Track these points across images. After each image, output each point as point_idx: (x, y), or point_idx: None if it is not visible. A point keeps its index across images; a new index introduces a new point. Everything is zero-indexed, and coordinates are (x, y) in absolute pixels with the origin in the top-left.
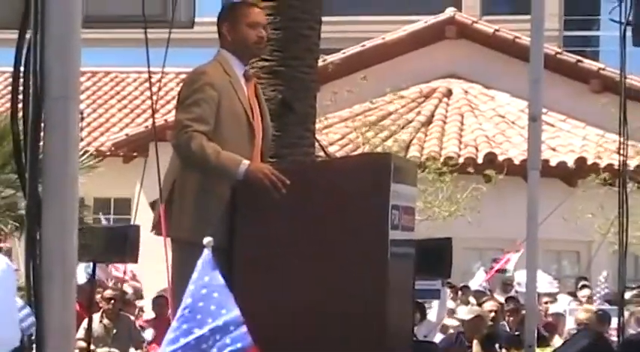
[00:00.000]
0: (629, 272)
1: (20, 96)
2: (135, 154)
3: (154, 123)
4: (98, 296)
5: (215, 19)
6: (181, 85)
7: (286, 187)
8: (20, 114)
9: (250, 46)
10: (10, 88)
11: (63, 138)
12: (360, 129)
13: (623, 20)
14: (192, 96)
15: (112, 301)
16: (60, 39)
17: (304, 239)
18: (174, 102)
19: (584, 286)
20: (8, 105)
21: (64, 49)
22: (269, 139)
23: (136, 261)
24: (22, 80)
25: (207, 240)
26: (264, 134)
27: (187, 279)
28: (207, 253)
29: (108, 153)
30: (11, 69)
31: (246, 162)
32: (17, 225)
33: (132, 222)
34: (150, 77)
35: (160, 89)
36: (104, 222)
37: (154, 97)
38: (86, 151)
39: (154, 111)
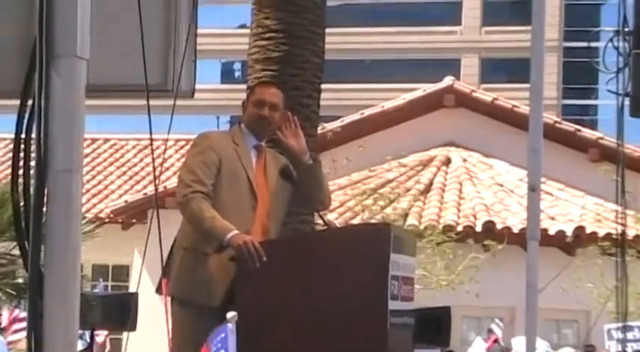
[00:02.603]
0: None
1: (20, 164)
2: (134, 221)
3: (156, 189)
4: None
5: (213, 87)
6: (186, 149)
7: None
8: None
9: (252, 122)
10: (9, 155)
11: (65, 210)
12: (359, 197)
13: (620, 91)
14: (194, 158)
15: None
16: (64, 111)
17: (303, 308)
18: (174, 168)
19: None
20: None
21: (69, 122)
22: (278, 212)
23: (134, 329)
24: (22, 148)
25: (231, 315)
26: (271, 207)
27: (181, 337)
28: (230, 327)
29: (107, 220)
30: (10, 136)
31: (235, 231)
32: (14, 293)
33: (130, 290)
34: (152, 145)
35: (160, 156)
36: (102, 285)
37: (156, 164)
38: (84, 217)
39: (156, 178)
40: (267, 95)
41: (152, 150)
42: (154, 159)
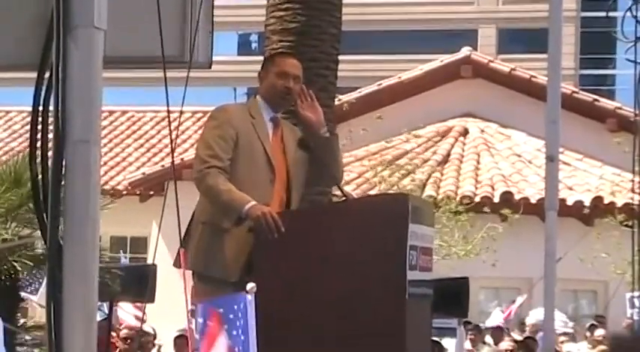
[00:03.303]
0: None
1: (39, 137)
2: (151, 193)
3: (173, 162)
4: (114, 336)
5: (230, 59)
6: (203, 121)
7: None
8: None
9: (276, 94)
10: (27, 127)
11: (84, 181)
12: (376, 168)
13: (638, 60)
14: (211, 131)
15: (129, 341)
16: (82, 82)
17: (322, 279)
18: (191, 140)
19: (597, 326)
20: (25, 144)
21: (86, 93)
22: (298, 184)
23: (153, 301)
24: (40, 121)
25: (250, 286)
26: (290, 178)
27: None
28: (250, 299)
29: (124, 192)
30: (28, 108)
31: (252, 202)
32: (32, 264)
33: (148, 261)
34: (169, 117)
35: (176, 128)
36: (124, 261)
37: (173, 136)
38: (102, 190)
39: (173, 151)
40: (290, 67)
41: (169, 122)
42: (170, 132)
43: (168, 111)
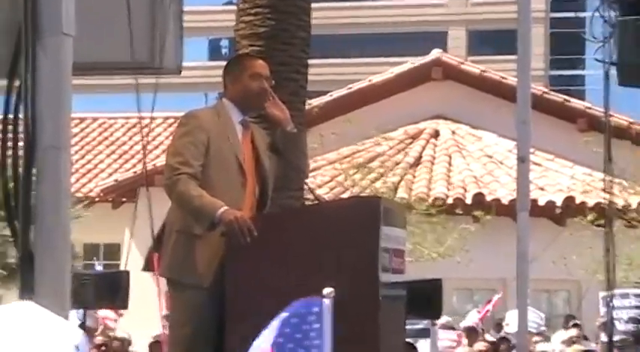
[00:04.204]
0: None
1: (9, 144)
2: (124, 200)
3: (144, 167)
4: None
5: (200, 64)
6: (174, 127)
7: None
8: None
9: (252, 96)
10: None
11: (55, 187)
12: (348, 172)
13: (607, 60)
14: (181, 139)
15: (103, 348)
16: (51, 89)
17: (295, 282)
18: (163, 146)
19: (574, 325)
20: None
21: (56, 100)
22: (267, 186)
23: (126, 307)
24: (11, 129)
25: (327, 290)
26: (262, 181)
27: (176, 318)
28: (327, 304)
29: (97, 199)
30: None
31: (224, 207)
32: (5, 273)
33: (121, 268)
34: (140, 123)
35: (147, 134)
36: (97, 268)
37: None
38: (74, 197)
39: (145, 156)
40: (262, 68)
41: (141, 127)
42: (142, 134)
43: (140, 118)
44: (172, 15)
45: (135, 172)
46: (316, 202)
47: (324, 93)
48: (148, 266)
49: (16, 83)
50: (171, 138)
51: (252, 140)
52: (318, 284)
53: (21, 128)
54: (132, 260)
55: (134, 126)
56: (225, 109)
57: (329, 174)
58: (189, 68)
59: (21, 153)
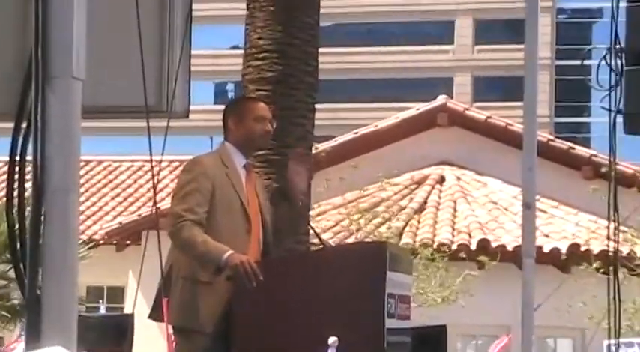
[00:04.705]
0: None
1: (15, 186)
2: (128, 242)
3: (156, 210)
4: None
5: (206, 108)
6: (180, 170)
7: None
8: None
9: (256, 139)
10: (3, 177)
11: (63, 230)
12: (353, 216)
13: (613, 108)
14: (186, 186)
15: None
16: (60, 131)
17: (300, 327)
18: (168, 190)
19: None
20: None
21: (66, 142)
22: (269, 232)
23: (130, 350)
24: (17, 171)
25: (332, 340)
26: (264, 225)
27: None
28: None
29: (101, 242)
30: (5, 158)
31: (230, 251)
32: (9, 315)
33: (125, 311)
34: (152, 166)
35: (156, 175)
36: (102, 311)
37: (150, 186)
38: (80, 240)
39: (156, 199)
40: (264, 110)
41: (152, 168)
42: (154, 178)
43: (152, 160)
44: (181, 58)
45: (139, 215)
46: (322, 247)
47: (330, 138)
48: (155, 314)
49: (24, 125)
50: (176, 182)
51: (255, 185)
52: (323, 330)
53: (29, 170)
54: (136, 303)
55: (139, 169)
56: (227, 153)
57: (334, 218)
58: (195, 112)
59: (27, 194)
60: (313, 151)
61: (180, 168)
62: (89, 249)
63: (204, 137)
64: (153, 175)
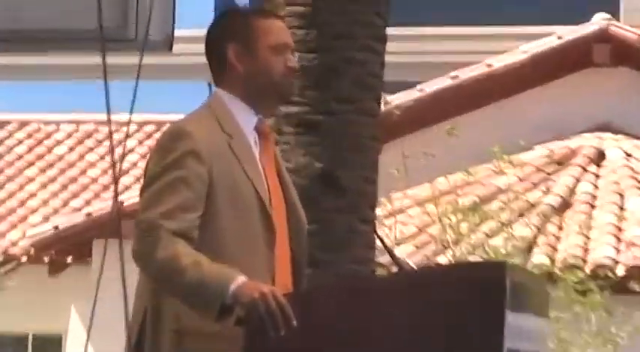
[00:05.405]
0: None
1: None
2: (69, 261)
3: (117, 205)
4: None
5: (201, 34)
6: (153, 149)
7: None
8: None
9: (276, 82)
10: None
11: None
12: (449, 218)
13: None
14: (164, 174)
15: None
16: None
17: None
18: (136, 172)
19: None
20: None
21: None
22: (303, 234)
23: None
24: None
25: None
26: (293, 227)
27: None
28: None
29: (23, 260)
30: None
31: (241, 277)
32: None
33: None
34: (110, 132)
35: (113, 151)
36: None
37: (106, 165)
38: None
39: (117, 189)
40: (286, 34)
41: (111, 135)
42: (113, 153)
43: (110, 122)
44: None
45: (89, 214)
46: (397, 271)
47: (412, 84)
48: None
49: None
50: (147, 163)
51: (276, 158)
52: None
53: None
54: None
55: (89, 136)
56: (226, 110)
57: (416, 221)
58: (184, 39)
59: None
60: (382, 108)
61: (156, 137)
62: (6, 272)
63: (201, 82)
64: (112, 147)
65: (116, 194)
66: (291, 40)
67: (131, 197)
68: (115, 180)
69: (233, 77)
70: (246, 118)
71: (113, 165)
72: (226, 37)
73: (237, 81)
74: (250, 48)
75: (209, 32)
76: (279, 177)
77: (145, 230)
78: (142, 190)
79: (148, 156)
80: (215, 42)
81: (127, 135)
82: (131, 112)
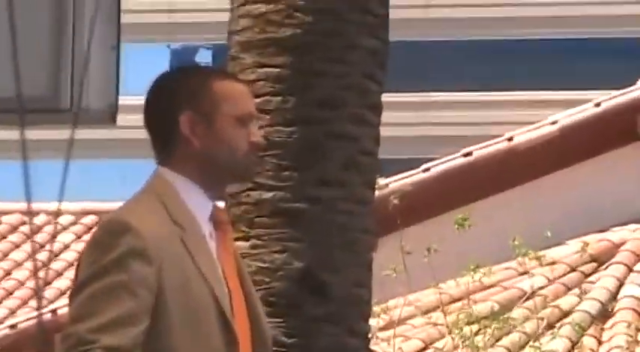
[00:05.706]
0: None
1: None
2: None
3: (40, 315)
4: None
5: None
6: (86, 245)
7: None
8: None
9: (238, 161)
10: None
11: None
12: (461, 330)
13: None
14: (101, 277)
15: None
16: None
17: None
18: (69, 274)
19: None
20: None
21: None
22: (268, 350)
23: None
24: None
25: None
26: (256, 340)
27: None
28: None
29: None
30: None
31: None
32: None
33: None
34: (30, 224)
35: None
36: None
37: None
38: None
39: (41, 295)
40: (251, 101)
41: (30, 228)
42: (34, 252)
43: (30, 212)
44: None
45: (13, 326)
46: None
47: (415, 164)
48: None
49: None
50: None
51: (235, 254)
52: None
53: None
54: None
55: (14, 229)
56: (175, 197)
57: (421, 335)
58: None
59: None
60: (377, 193)
61: (94, 230)
62: None
63: (152, 161)
64: (33, 250)
65: (39, 306)
66: (254, 109)
67: (66, 305)
68: (38, 289)
69: (186, 154)
70: (200, 205)
71: (35, 271)
72: (179, 103)
73: (191, 159)
74: (210, 118)
75: (153, 95)
76: (240, 279)
77: (73, 346)
78: (72, 296)
79: (81, 254)
80: (162, 108)
81: (55, 230)
82: (60, 199)
